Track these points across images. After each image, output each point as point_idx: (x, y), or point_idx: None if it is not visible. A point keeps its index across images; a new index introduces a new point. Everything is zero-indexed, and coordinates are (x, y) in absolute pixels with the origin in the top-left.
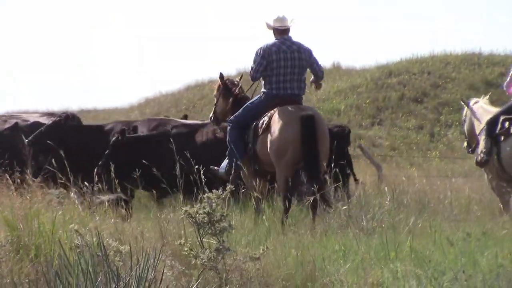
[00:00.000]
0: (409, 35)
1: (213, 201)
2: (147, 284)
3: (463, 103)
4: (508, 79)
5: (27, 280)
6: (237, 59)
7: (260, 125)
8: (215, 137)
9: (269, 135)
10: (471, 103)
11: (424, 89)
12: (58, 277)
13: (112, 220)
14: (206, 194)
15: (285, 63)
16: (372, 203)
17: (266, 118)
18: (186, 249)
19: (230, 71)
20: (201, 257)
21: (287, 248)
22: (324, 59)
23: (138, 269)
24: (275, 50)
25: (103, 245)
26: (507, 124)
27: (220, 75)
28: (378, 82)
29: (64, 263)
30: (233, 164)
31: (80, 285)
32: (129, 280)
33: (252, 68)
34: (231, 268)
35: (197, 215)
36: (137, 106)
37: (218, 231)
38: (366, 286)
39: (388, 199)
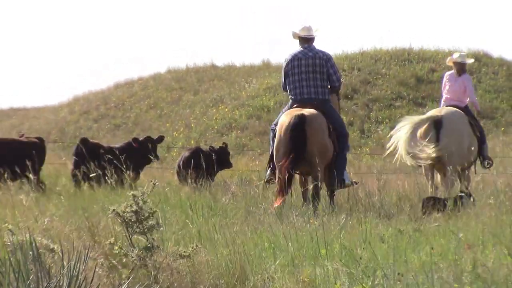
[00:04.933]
0: (338, 32)
1: (139, 198)
2: (78, 283)
3: None
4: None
5: None
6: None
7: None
8: None
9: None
10: None
11: (354, 86)
12: None
13: (46, 220)
14: (132, 192)
15: (299, 70)
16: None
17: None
18: (116, 247)
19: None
20: (131, 255)
21: (217, 246)
22: (252, 57)
23: (69, 268)
24: (291, 59)
25: (35, 244)
26: None
27: None
28: None
29: None
30: None
31: (11, 284)
32: (60, 278)
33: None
34: (161, 266)
35: (125, 214)
36: (67, 104)
37: (146, 229)
38: (298, 284)
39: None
